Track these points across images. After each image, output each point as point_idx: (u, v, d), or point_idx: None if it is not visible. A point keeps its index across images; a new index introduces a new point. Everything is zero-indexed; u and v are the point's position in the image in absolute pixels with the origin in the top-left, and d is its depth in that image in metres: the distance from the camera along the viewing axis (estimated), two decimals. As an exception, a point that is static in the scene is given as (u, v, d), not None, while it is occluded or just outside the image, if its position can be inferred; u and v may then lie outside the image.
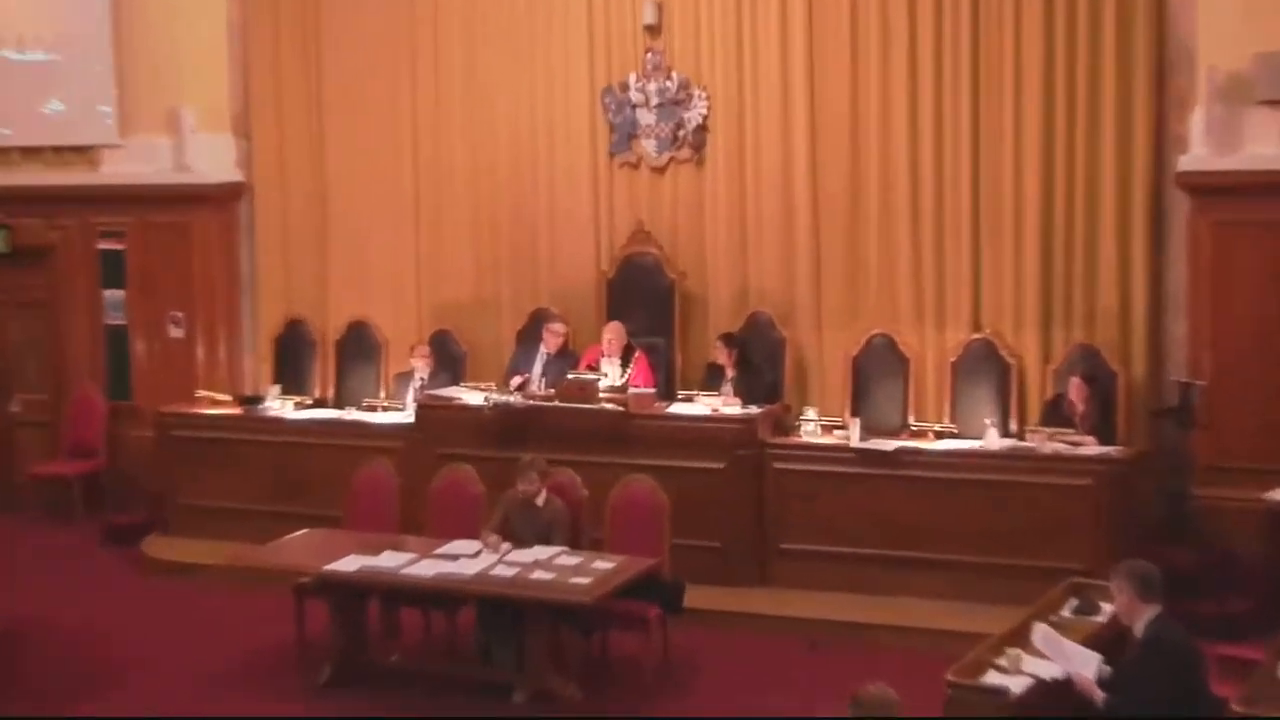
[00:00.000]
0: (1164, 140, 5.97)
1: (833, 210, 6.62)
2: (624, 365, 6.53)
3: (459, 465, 5.85)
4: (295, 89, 7.51)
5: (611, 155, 7.00)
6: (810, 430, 6.23)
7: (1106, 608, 4.13)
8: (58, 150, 7.58)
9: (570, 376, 6.33)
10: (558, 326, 6.73)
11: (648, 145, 6.94)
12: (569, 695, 4.88)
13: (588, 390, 6.16)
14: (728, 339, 6.57)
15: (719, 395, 6.35)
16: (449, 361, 7.17)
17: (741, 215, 6.81)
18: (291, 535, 5.70)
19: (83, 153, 7.61)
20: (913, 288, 6.52)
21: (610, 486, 5.53)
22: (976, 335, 6.41)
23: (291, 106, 7.55)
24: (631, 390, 6.32)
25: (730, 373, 6.48)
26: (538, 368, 6.73)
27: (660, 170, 6.94)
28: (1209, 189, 5.74)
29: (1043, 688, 3.64)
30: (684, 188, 6.92)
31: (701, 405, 6.31)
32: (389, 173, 7.41)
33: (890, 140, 6.45)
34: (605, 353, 6.55)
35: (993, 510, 5.69)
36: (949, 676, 3.63)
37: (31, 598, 6.14)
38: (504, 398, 6.43)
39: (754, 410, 6.22)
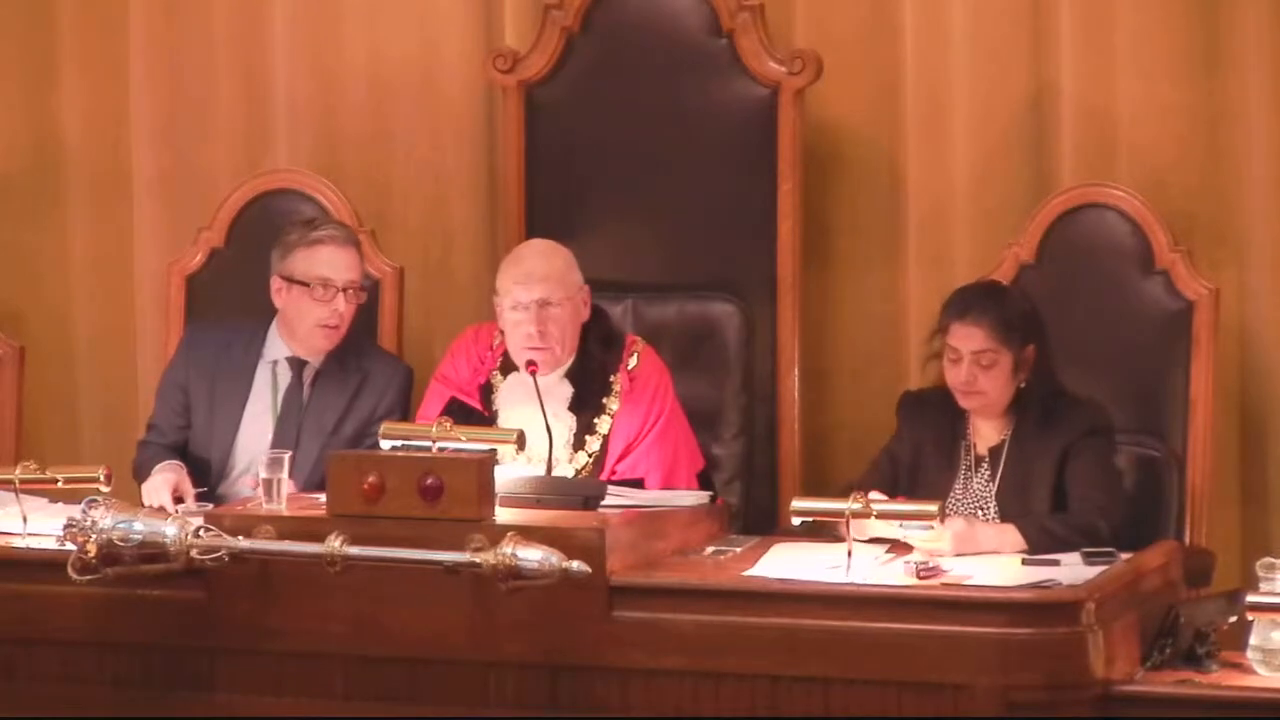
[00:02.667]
0: None
1: None
2: (587, 403, 5.07)
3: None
4: None
5: None
6: (1282, 650, 4.71)
7: None
8: None
9: (391, 445, 4.66)
10: (340, 260, 5.17)
11: None
12: None
13: (454, 496, 4.56)
14: (982, 307, 4.78)
15: (942, 511, 4.52)
16: None
17: None
18: None
19: None
20: None
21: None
22: None
23: None
24: (612, 492, 4.70)
25: (993, 429, 4.88)
26: (257, 414, 5.25)
27: None
28: None
29: None
30: None
31: (877, 549, 4.63)
32: None
33: None
34: (517, 354, 4.93)
35: None
36: None
37: None
38: (143, 527, 4.56)
39: (1074, 571, 4.45)
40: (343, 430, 5.16)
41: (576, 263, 5.03)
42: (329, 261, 5.17)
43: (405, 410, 5.23)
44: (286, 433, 5.18)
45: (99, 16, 6.33)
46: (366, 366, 5.28)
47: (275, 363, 5.18)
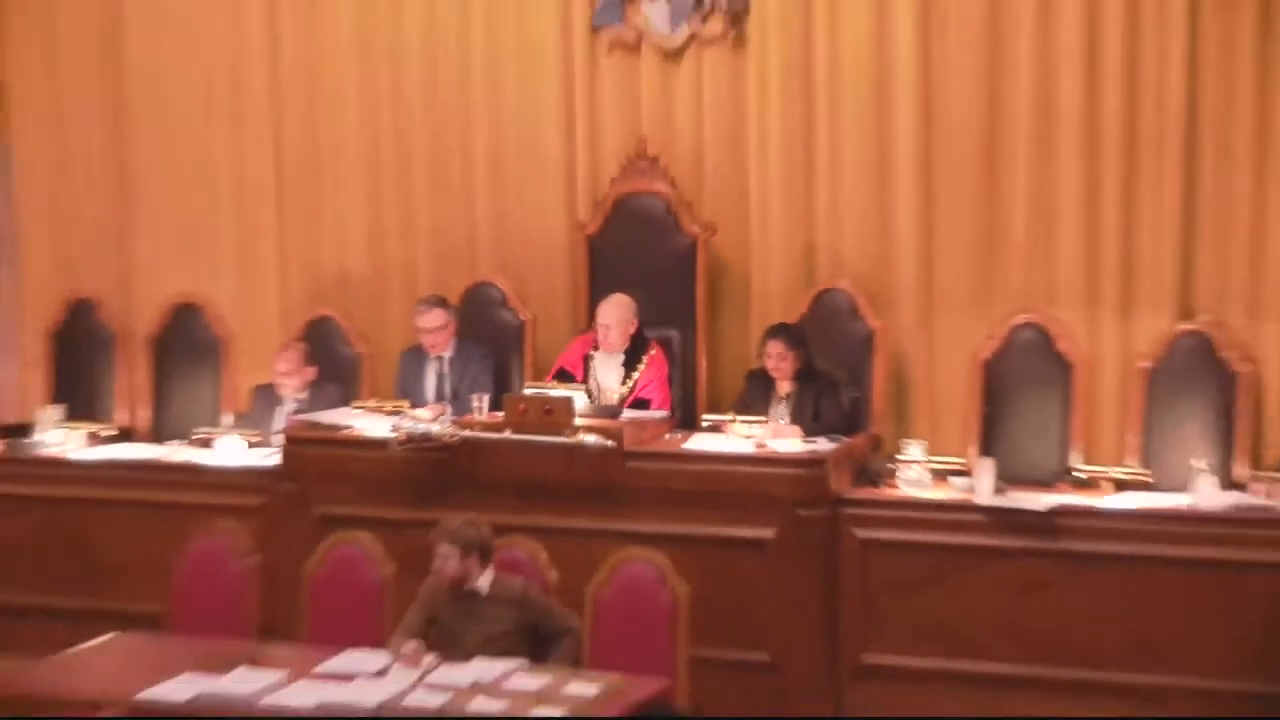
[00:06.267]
0: None
1: (955, 134, 7.01)
2: (630, 367, 7.09)
3: (353, 535, 6.11)
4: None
5: (595, 31, 7.41)
6: (914, 479, 6.59)
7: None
8: None
9: (527, 389, 6.80)
10: (429, 317, 7.30)
11: (653, 14, 7.29)
12: None
13: (555, 411, 6.51)
14: (783, 334, 6.93)
15: (767, 421, 6.68)
16: (336, 367, 7.65)
17: (806, 134, 7.14)
18: (87, 644, 5.82)
19: None
20: (1082, 255, 6.89)
21: (594, 568, 5.76)
22: (1185, 326, 6.76)
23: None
24: (627, 414, 6.62)
25: (787, 387, 6.83)
26: (430, 380, 7.39)
27: (674, 57, 7.33)
28: None
29: None
30: (713, 86, 7.28)
31: (739, 438, 6.61)
32: (227, 81, 7.95)
33: (1052, 32, 6.86)
34: (601, 344, 7.05)
35: (1203, 607, 6.00)
36: None
37: None
38: (424, 426, 6.80)
39: (823, 446, 6.55)
40: (465, 386, 7.19)
41: (634, 306, 7.00)
42: (419, 323, 7.21)
43: (490, 372, 7.31)
44: (443, 389, 7.37)
45: (223, 17, 8.16)
46: (470, 354, 7.39)
47: (439, 359, 7.41)
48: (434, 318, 7.30)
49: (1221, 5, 6.62)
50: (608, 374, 7.07)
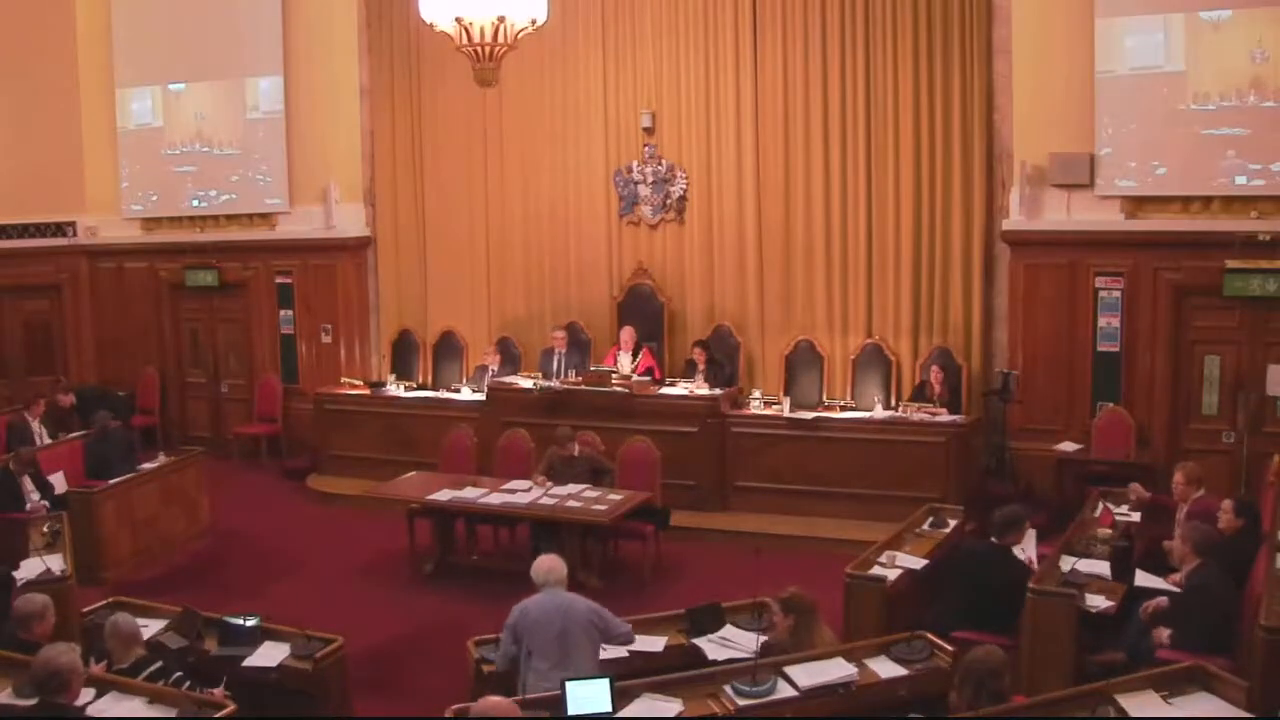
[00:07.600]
0: (993, 210, 6.10)
1: (771, 254, 6.57)
2: (634, 356, 6.61)
3: (517, 429, 5.87)
4: (405, 173, 7.45)
5: (621, 216, 6.92)
6: (756, 405, 6.23)
7: (951, 522, 4.52)
8: (249, 216, 7.77)
9: (592, 368, 6.43)
10: (556, 335, 6.73)
11: (645, 210, 6.86)
12: (592, 584, 4.91)
13: (603, 377, 6.21)
14: (700, 343, 6.57)
15: (694, 381, 6.37)
16: (510, 358, 7.10)
17: (709, 257, 6.73)
18: (403, 476, 5.70)
19: (265, 217, 7.75)
20: (826, 307, 6.46)
21: (620, 444, 5.60)
22: (869, 340, 6.39)
23: (402, 185, 7.48)
24: (634, 377, 6.36)
25: (701, 366, 6.44)
26: (555, 361, 6.69)
27: (654, 227, 6.87)
28: (1021, 242, 5.93)
29: (910, 576, 3.93)
30: (670, 239, 6.85)
31: (682, 388, 6.32)
32: (467, 229, 7.33)
33: (812, 207, 6.44)
34: (622, 347, 6.63)
35: (878, 458, 5.76)
36: (847, 570, 3.91)
37: (236, 514, 6.27)
38: (549, 382, 6.44)
39: (718, 392, 6.24)
40: (569, 365, 6.32)
41: (635, 331, 6.48)
42: (552, 336, 6.36)
43: (580, 358, 6.43)
44: (561, 367, 6.41)
45: (465, 200, 7.18)
46: (571, 351, 6.42)
47: (558, 353, 6.44)
48: (558, 334, 6.70)
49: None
50: (625, 361, 6.54)
